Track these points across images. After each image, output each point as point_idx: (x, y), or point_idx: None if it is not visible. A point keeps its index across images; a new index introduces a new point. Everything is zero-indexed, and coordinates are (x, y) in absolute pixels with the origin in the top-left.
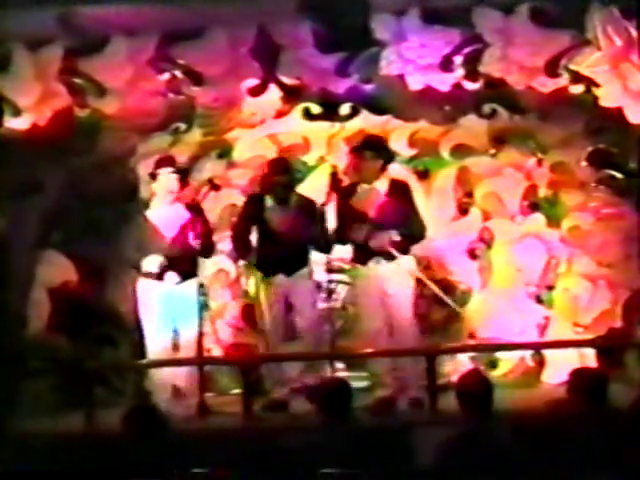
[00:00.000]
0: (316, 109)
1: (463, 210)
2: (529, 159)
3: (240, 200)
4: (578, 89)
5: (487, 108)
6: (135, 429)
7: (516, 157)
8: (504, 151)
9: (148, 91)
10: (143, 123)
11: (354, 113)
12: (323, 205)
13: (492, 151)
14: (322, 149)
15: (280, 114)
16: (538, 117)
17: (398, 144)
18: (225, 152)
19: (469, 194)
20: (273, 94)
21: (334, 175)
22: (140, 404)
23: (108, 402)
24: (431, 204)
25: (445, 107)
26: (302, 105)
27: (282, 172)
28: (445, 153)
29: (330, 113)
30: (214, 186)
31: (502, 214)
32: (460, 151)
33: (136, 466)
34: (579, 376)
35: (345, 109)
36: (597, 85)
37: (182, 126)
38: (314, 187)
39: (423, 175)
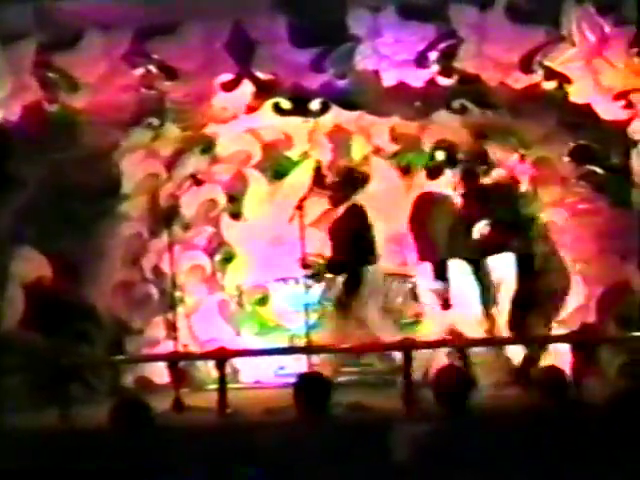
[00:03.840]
0: (286, 104)
1: None
2: (512, 154)
3: (221, 195)
4: (550, 85)
5: (457, 104)
6: (124, 423)
7: (499, 152)
8: (487, 146)
9: (120, 86)
10: (114, 118)
11: (324, 108)
12: (303, 199)
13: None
14: (304, 144)
15: (251, 109)
16: (510, 113)
17: (380, 139)
18: (208, 147)
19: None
20: (245, 89)
21: (318, 170)
22: (127, 398)
23: (84, 399)
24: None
25: (416, 103)
26: (272, 100)
27: None
28: (428, 149)
29: (301, 108)
30: (197, 181)
31: None
32: (443, 146)
33: (114, 461)
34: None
35: (315, 104)
36: (569, 81)
37: (155, 121)
38: (298, 182)
39: (405, 171)
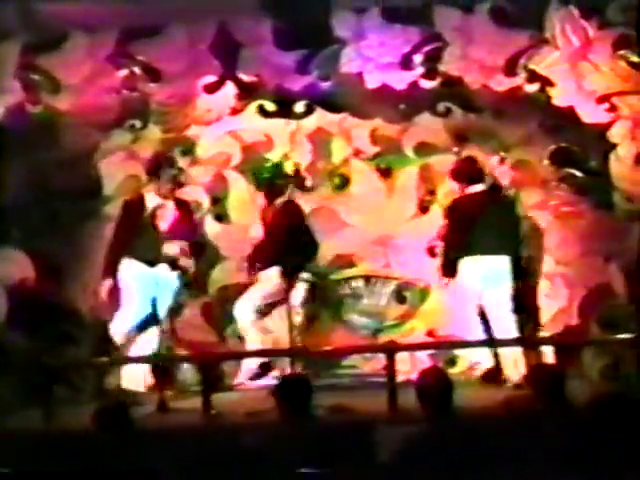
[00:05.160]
0: (270, 106)
1: (424, 208)
2: (492, 157)
3: (203, 197)
4: (533, 88)
5: (442, 107)
6: (108, 426)
7: (479, 155)
8: (467, 149)
9: (103, 87)
10: (97, 120)
11: (309, 111)
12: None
13: (455, 149)
14: (285, 146)
15: (235, 111)
16: (493, 116)
17: (360, 142)
18: (188, 149)
19: (431, 192)
20: (228, 91)
21: (296, 172)
22: (111, 402)
23: (68, 400)
24: (393, 202)
25: (400, 105)
26: (257, 102)
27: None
28: (408, 151)
29: (285, 111)
30: (178, 183)
31: None
32: (423, 149)
33: (98, 464)
34: (537, 373)
35: (300, 107)
36: (552, 84)
37: (138, 123)
38: None
39: (386, 173)
